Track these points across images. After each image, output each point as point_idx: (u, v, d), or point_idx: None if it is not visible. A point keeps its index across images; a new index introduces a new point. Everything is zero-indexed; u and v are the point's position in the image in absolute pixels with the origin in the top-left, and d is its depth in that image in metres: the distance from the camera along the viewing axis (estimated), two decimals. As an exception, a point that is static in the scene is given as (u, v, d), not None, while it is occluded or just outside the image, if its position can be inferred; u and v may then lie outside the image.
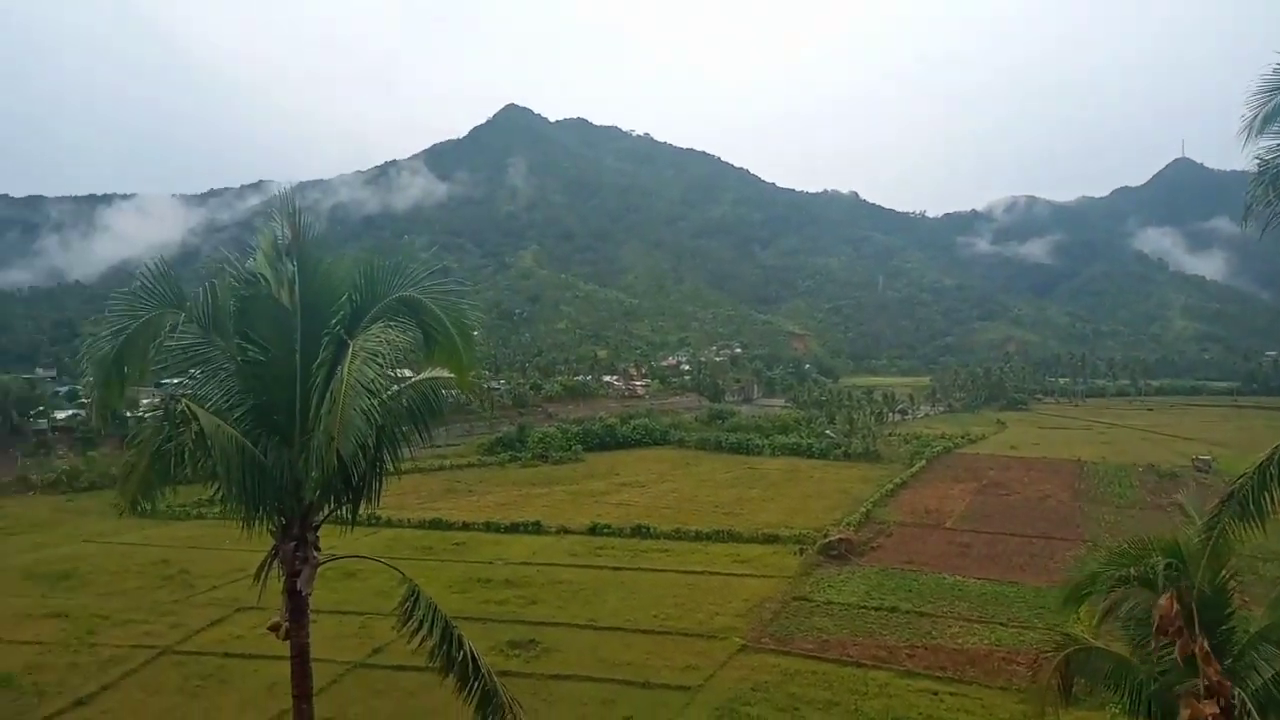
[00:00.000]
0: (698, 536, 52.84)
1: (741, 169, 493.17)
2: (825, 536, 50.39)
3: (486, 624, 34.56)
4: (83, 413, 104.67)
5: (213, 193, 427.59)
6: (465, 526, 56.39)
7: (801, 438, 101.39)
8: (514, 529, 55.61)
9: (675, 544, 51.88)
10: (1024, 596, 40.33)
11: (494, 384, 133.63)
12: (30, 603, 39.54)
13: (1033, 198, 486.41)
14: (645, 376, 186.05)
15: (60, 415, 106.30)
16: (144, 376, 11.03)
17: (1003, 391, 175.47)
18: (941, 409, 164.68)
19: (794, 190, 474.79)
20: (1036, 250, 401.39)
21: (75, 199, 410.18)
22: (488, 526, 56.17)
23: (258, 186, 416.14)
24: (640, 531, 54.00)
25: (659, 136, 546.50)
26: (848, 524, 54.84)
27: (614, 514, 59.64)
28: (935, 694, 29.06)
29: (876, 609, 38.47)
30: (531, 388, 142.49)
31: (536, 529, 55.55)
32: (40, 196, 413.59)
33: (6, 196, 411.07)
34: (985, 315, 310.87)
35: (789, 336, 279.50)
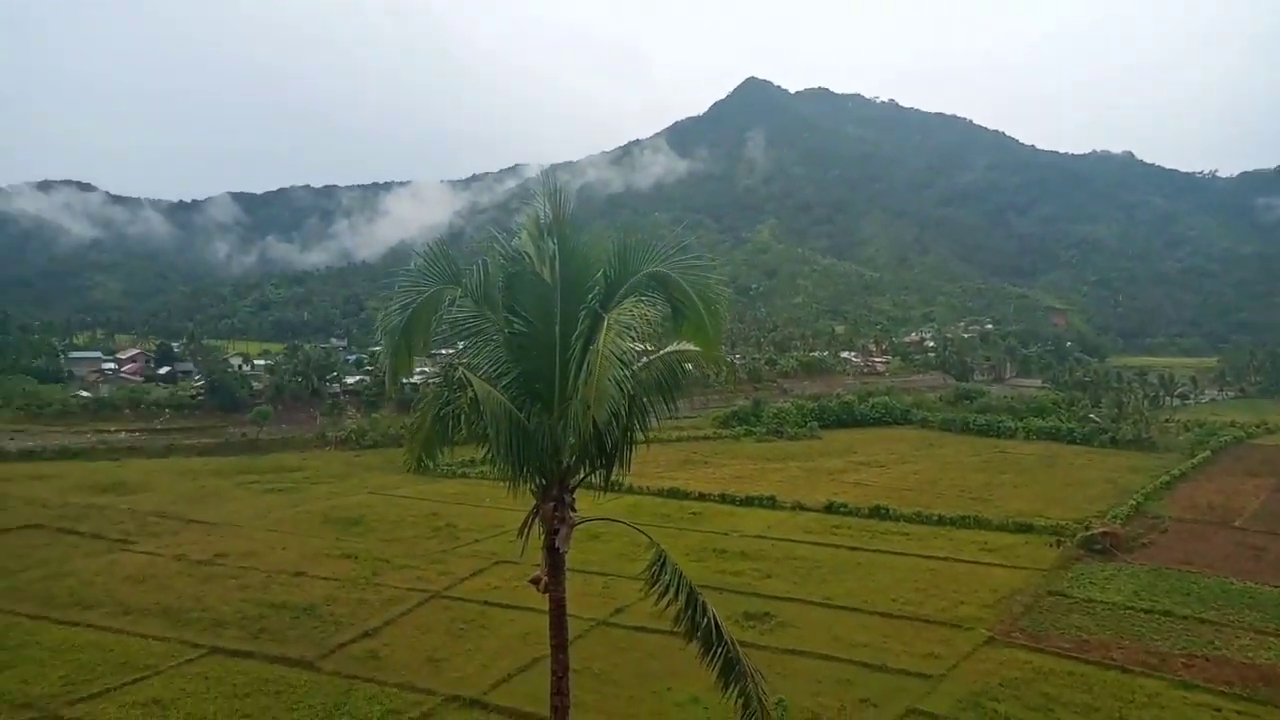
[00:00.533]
0: (941, 521, 50.54)
1: (996, 131, 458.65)
2: (1087, 529, 46.34)
3: (722, 593, 35.16)
4: (368, 378, 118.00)
5: (475, 178, 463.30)
6: (701, 497, 57.54)
7: (1061, 421, 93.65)
8: (749, 502, 56.02)
9: (916, 527, 49.96)
10: (1337, 613, 34.89)
11: (729, 358, 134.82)
12: (326, 544, 45.25)
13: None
14: (885, 353, 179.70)
15: (350, 380, 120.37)
16: (426, 347, 12.24)
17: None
18: (1232, 394, 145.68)
19: (1056, 153, 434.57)
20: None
21: (362, 187, 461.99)
22: (723, 498, 56.97)
23: (514, 170, 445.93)
24: (879, 512, 52.50)
25: (904, 102, 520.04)
26: (1114, 517, 50.01)
27: (851, 493, 58.36)
28: (1218, 710, 25.95)
29: (1147, 611, 34.88)
30: (767, 362, 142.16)
31: (771, 503, 55.61)
32: (335, 186, 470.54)
33: (308, 186, 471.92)
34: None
35: (1047, 312, 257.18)
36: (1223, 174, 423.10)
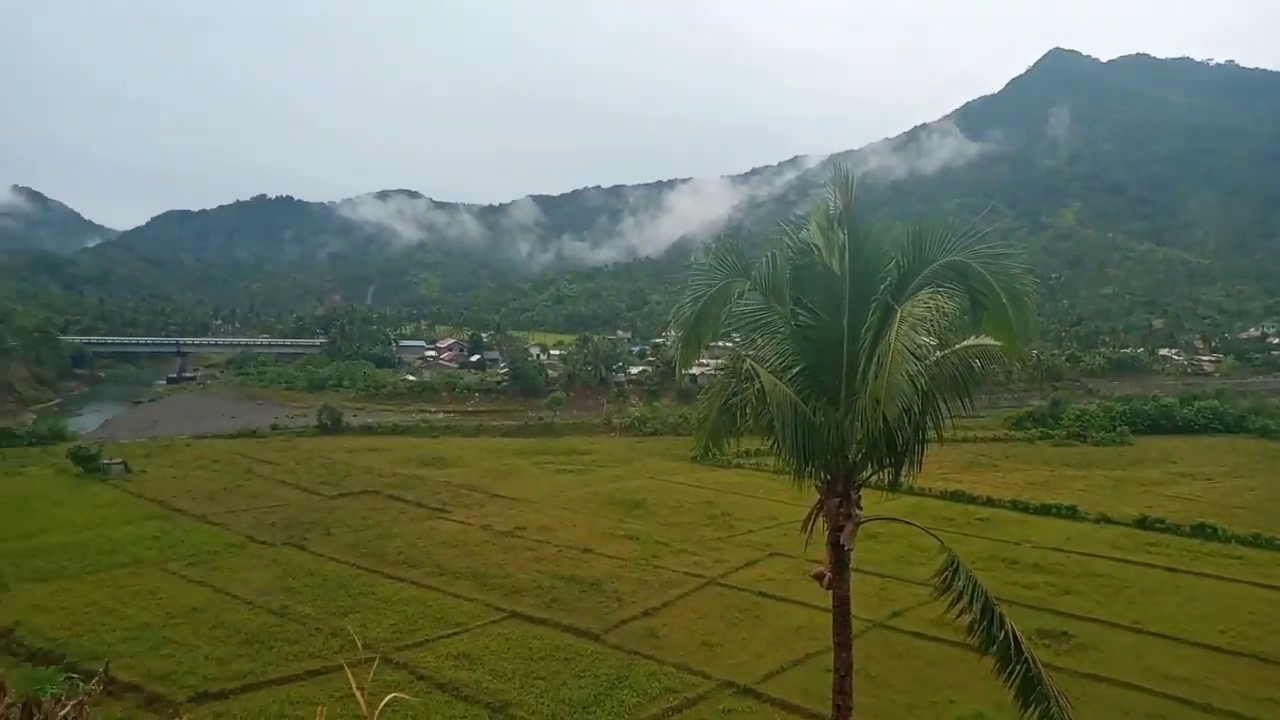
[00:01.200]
0: (1287, 547, 43.25)
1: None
2: None
3: (1012, 607, 32.43)
4: (650, 368, 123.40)
5: (754, 171, 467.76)
6: (989, 502, 53.75)
7: None
8: (1044, 511, 51.43)
9: (1253, 552, 43.10)
10: None
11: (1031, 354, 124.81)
12: (611, 523, 47.81)
13: None
14: (1215, 351, 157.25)
15: (634, 370, 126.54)
16: (715, 338, 12.52)
17: None
18: None
19: None
20: None
21: (647, 185, 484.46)
22: (1014, 505, 52.78)
23: (793, 162, 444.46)
24: (1204, 531, 45.92)
25: (1245, 62, 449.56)
26: None
27: (1169, 507, 51.60)
28: None
29: None
30: (1068, 359, 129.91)
31: (1071, 514, 50.64)
32: (622, 185, 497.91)
33: (599, 187, 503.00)
34: None
35: None
36: None
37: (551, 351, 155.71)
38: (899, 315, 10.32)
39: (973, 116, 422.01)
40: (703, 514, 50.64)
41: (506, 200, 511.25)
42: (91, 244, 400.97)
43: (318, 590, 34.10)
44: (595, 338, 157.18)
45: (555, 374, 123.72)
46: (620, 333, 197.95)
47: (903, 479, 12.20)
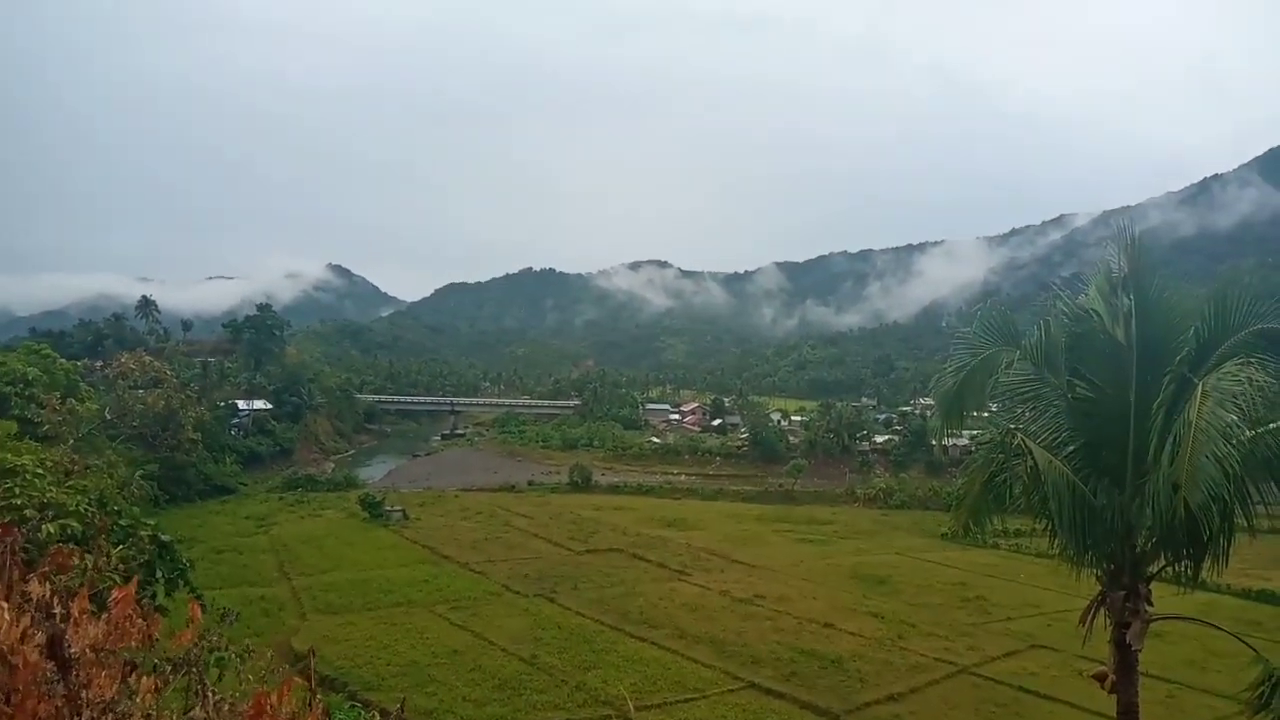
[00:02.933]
0: None
1: None
2: None
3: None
4: (897, 437, 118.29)
5: (1014, 232, 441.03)
6: (1307, 607, 45.68)
7: None
8: (1391, 626, 42.79)
9: None
10: None
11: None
12: (853, 599, 45.77)
13: None
14: None
15: (879, 439, 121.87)
16: (979, 410, 11.82)
17: None
18: None
19: None
20: None
21: (895, 249, 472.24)
22: (1338, 613, 44.45)
23: (1058, 221, 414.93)
24: None
25: None
26: None
27: None
28: None
29: None
30: None
31: None
32: (869, 250, 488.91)
33: (845, 252, 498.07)
34: None
35: None
36: None
37: (793, 418, 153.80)
38: (1200, 389, 9.23)
39: (1277, 164, 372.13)
40: (955, 596, 47.27)
41: (752, 268, 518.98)
42: (385, 313, 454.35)
43: (565, 643, 35.45)
44: (839, 404, 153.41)
45: (796, 440, 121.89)
46: (865, 399, 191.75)
47: (1203, 574, 10.73)
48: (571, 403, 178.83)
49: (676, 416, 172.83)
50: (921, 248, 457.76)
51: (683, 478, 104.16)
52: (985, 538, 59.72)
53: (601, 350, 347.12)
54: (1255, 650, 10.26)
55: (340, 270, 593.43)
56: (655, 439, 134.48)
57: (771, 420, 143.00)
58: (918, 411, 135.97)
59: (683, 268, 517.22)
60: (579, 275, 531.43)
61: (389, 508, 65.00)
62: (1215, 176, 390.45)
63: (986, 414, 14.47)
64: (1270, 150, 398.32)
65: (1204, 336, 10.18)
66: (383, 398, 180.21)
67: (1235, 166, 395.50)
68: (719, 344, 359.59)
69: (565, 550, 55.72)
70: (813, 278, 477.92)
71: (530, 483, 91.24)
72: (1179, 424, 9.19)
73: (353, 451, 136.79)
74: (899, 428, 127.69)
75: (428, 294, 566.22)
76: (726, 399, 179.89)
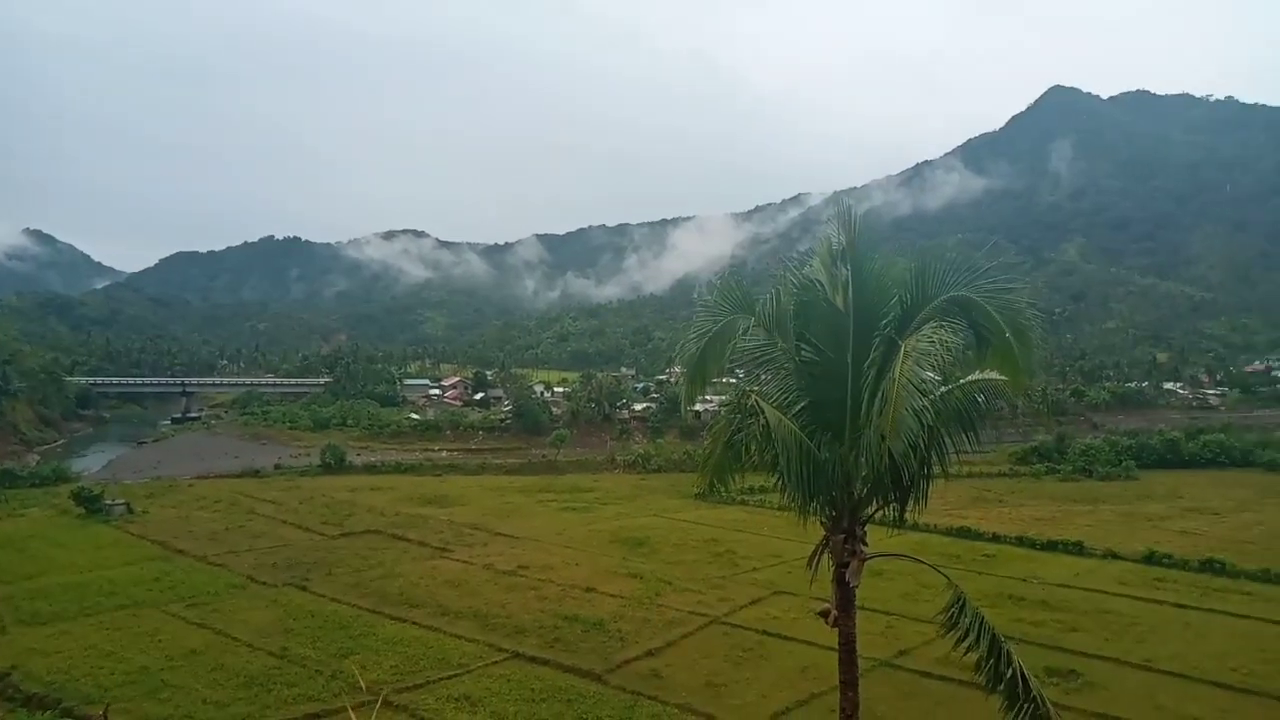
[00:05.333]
0: (1299, 582, 42.65)
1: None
2: None
3: (1019, 645, 31.84)
4: (654, 405, 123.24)
5: (757, 209, 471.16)
6: (995, 538, 53.25)
7: None
8: (1051, 547, 50.91)
9: (1263, 587, 42.53)
10: None
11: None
12: (614, 562, 47.34)
13: None
14: (1220, 384, 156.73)
15: (638, 407, 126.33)
16: (720, 374, 12.52)
17: None
18: None
19: None
20: None
21: (651, 224, 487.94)
22: (1020, 541, 52.26)
23: (796, 200, 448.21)
24: (1212, 566, 45.36)
25: (1245, 98, 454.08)
26: None
27: (1176, 543, 51.08)
28: None
29: None
30: (1072, 394, 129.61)
31: (1078, 550, 50.11)
32: (627, 224, 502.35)
33: (603, 225, 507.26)
34: None
35: None
36: None
37: (555, 389, 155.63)
38: (903, 350, 10.33)
39: (976, 153, 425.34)
40: (707, 552, 50.14)
41: (512, 239, 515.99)
42: (100, 285, 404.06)
43: (319, 631, 33.74)
44: (599, 375, 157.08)
45: (559, 411, 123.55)
46: (624, 370, 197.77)
47: (908, 515, 12.13)
48: (322, 380, 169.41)
49: (437, 391, 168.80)
50: (675, 222, 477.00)
51: (444, 454, 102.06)
52: (731, 495, 63.58)
53: (355, 323, 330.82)
54: (947, 578, 11.76)
55: (41, 236, 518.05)
56: (415, 415, 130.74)
57: (534, 392, 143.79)
58: (673, 380, 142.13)
59: (441, 238, 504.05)
60: (328, 244, 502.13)
61: (109, 501, 58.23)
62: (926, 163, 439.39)
63: (733, 380, 15.31)
64: (968, 141, 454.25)
65: (907, 303, 11.44)
66: (99, 380, 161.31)
67: (942, 154, 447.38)
68: (480, 316, 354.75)
69: (318, 535, 52.92)
70: (572, 250, 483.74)
71: (277, 466, 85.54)
72: (886, 382, 10.25)
73: (63, 441, 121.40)
74: (656, 395, 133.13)
75: (151, 264, 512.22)
76: (489, 372, 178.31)
